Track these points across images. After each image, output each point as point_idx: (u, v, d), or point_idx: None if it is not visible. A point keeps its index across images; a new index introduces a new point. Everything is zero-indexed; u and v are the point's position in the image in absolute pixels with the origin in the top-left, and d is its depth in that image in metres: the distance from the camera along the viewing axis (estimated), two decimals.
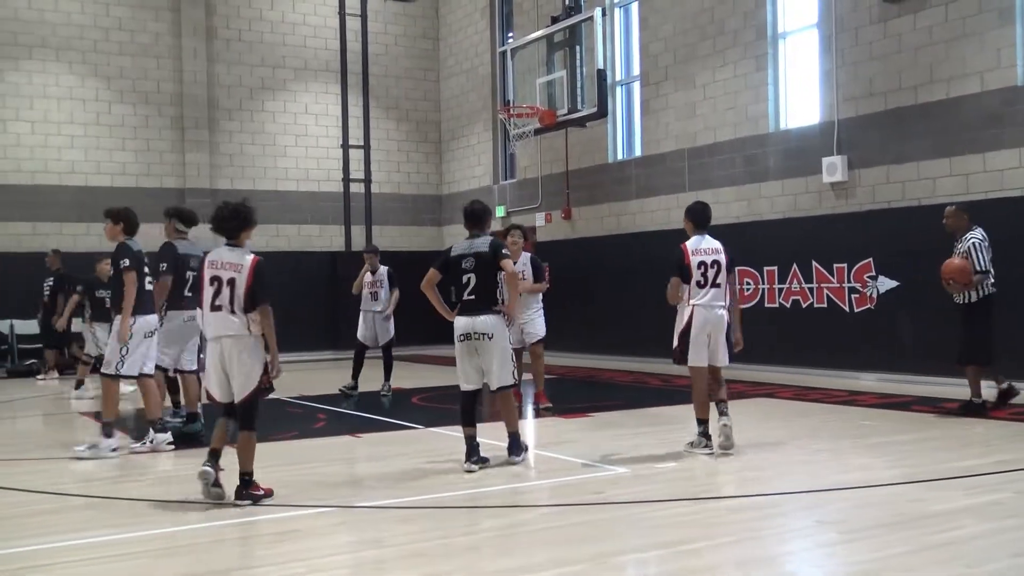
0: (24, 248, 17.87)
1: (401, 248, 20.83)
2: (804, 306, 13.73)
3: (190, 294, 8.68)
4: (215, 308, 6.45)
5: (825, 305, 13.44)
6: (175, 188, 19.04)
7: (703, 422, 7.81)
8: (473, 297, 7.39)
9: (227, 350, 6.41)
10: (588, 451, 7.94)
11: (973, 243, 9.14)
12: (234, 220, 6.53)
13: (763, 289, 14.31)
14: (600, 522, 5.74)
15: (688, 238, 7.95)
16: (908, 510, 5.71)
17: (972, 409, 9.33)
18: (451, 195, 21.90)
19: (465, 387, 7.59)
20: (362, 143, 20.72)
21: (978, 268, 9.04)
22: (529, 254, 10.69)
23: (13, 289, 17.19)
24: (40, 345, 16.61)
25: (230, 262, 6.45)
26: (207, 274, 6.53)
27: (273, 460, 7.91)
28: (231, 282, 6.41)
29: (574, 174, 18.01)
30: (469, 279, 7.41)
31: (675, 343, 7.89)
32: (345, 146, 20.62)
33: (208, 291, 6.49)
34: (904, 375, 12.22)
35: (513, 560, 4.92)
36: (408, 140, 21.92)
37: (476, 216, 7.64)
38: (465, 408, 7.57)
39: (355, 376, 12.63)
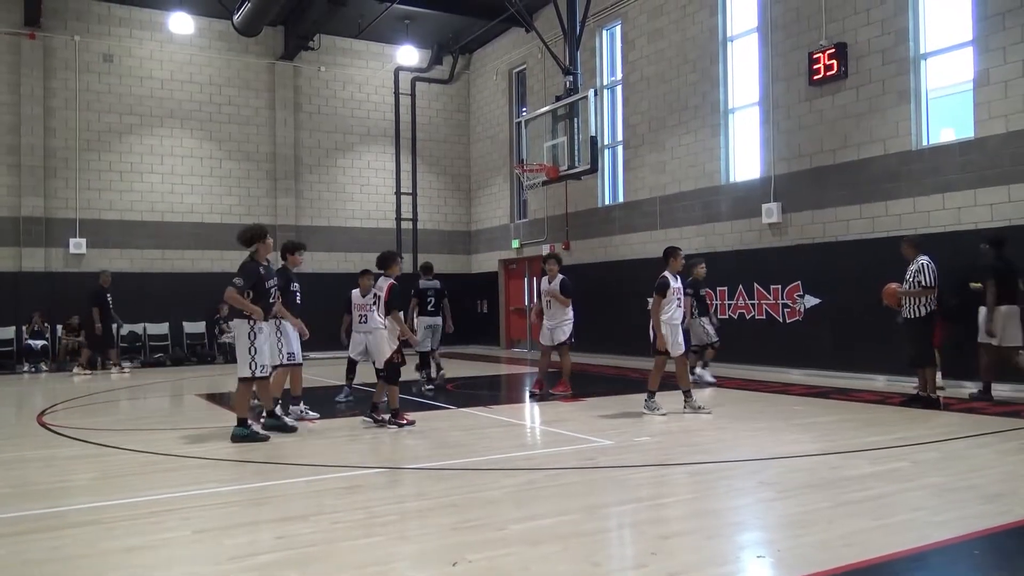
0: (156, 269, 17.96)
1: (439, 271, 20.75)
2: (748, 317, 13.66)
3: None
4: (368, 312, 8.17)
5: (764, 317, 13.37)
6: (269, 224, 18.96)
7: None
8: None
9: (369, 338, 8.06)
10: (582, 427, 7.91)
11: (922, 264, 8.70)
12: (383, 261, 8.11)
13: (716, 304, 14.19)
14: (591, 482, 5.70)
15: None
16: (828, 475, 5.65)
17: (930, 403, 8.75)
18: (478, 231, 21.89)
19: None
20: (410, 191, 20.98)
21: (926, 284, 8.60)
22: (561, 276, 10.57)
23: (147, 300, 17.29)
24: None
25: (379, 285, 8.01)
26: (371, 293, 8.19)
27: (342, 432, 7.90)
28: (377, 297, 7.95)
29: (572, 215, 18.00)
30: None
31: None
32: (398, 193, 20.83)
33: (369, 303, 8.18)
34: (824, 371, 12.12)
35: (525, 511, 4.87)
36: (445, 188, 21.91)
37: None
38: None
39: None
